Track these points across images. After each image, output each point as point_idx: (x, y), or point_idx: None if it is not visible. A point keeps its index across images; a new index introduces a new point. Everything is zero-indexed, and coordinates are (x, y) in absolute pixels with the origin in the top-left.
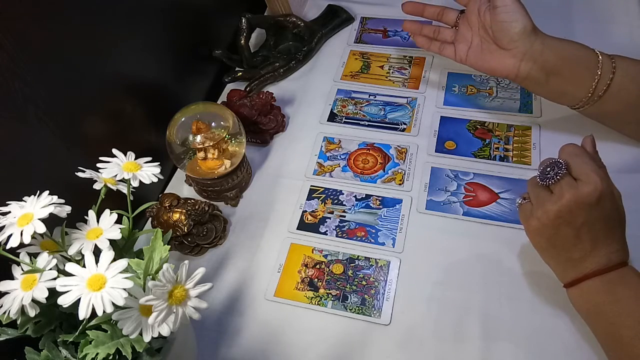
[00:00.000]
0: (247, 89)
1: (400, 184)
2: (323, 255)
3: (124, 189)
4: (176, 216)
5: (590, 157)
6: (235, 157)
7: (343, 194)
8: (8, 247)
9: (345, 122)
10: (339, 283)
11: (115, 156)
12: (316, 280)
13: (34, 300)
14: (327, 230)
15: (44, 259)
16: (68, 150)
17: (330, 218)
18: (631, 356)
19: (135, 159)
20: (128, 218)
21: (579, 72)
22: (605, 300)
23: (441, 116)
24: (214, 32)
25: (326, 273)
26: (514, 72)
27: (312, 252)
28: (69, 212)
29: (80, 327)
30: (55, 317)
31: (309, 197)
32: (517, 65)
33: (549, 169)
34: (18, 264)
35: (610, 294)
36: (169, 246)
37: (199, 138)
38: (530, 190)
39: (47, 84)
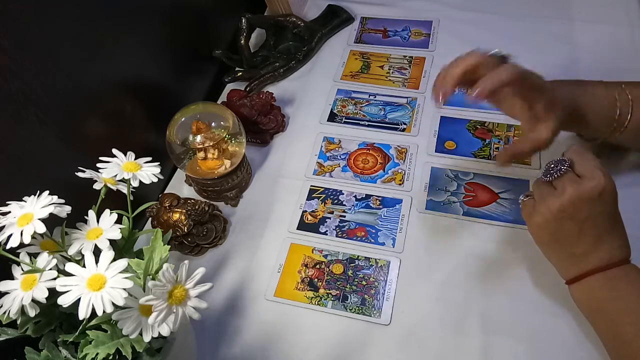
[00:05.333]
0: (247, 89)
1: (400, 184)
2: (323, 255)
3: (124, 189)
4: (176, 216)
5: (593, 156)
6: (235, 157)
7: (343, 194)
8: (8, 247)
9: (345, 122)
10: (339, 283)
11: (115, 156)
12: (316, 280)
13: (34, 300)
14: (327, 230)
15: (44, 259)
16: (68, 150)
17: (330, 218)
18: (632, 353)
19: (135, 159)
20: (128, 218)
21: (599, 115)
22: (607, 297)
23: (441, 116)
24: (214, 32)
25: (326, 273)
26: None
27: (312, 252)
28: (69, 212)
29: (80, 327)
30: (55, 317)
31: (309, 197)
32: None
33: (552, 165)
34: (18, 264)
35: (612, 290)
36: (169, 246)
37: (199, 138)
38: (534, 187)
39: (47, 84)
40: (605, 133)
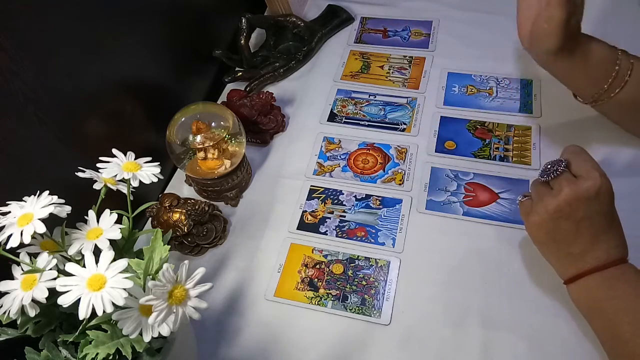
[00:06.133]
0: (247, 89)
1: (400, 184)
2: (323, 255)
3: (124, 189)
4: (176, 216)
5: (590, 156)
6: (235, 157)
7: (343, 194)
8: (8, 247)
9: (345, 122)
10: (339, 283)
11: (115, 156)
12: (316, 280)
13: (34, 300)
14: (327, 230)
15: (44, 259)
16: (68, 150)
17: (330, 218)
18: (630, 352)
19: (135, 159)
20: (128, 218)
21: (598, 70)
22: (605, 297)
23: (441, 116)
24: (214, 32)
25: (326, 273)
26: None
27: (312, 252)
28: (69, 212)
29: (80, 327)
30: (55, 317)
31: (309, 197)
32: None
33: (549, 165)
34: (18, 264)
35: (609, 290)
36: (169, 246)
37: (199, 138)
38: (532, 187)
39: (47, 84)
40: (599, 90)
